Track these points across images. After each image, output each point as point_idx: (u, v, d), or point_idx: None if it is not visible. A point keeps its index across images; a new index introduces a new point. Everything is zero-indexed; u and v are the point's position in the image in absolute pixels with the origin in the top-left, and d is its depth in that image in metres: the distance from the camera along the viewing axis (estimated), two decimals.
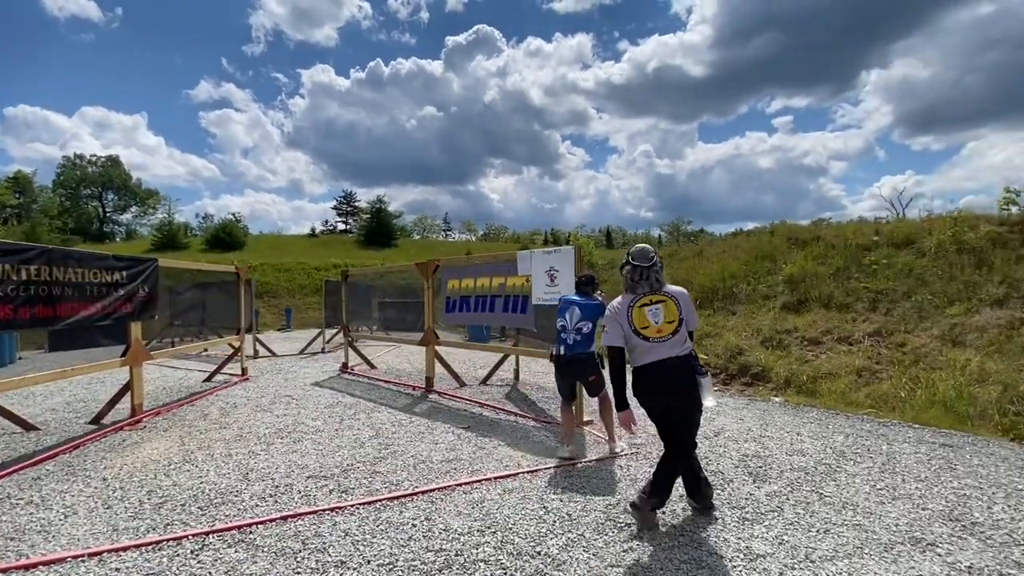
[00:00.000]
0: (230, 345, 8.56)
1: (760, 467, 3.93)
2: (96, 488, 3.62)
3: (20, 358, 13.21)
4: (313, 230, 56.46)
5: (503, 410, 5.87)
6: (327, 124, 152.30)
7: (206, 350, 10.83)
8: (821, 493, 3.44)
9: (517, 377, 7.64)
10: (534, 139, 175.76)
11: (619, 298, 3.02)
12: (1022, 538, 2.80)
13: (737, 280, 10.79)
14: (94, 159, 54.63)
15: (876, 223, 11.24)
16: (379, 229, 48.49)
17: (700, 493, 3.08)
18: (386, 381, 7.86)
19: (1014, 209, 9.52)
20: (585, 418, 5.20)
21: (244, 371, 8.38)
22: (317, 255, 35.81)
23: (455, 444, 4.60)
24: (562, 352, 4.22)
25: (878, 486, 3.58)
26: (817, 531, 2.89)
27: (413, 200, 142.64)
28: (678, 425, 2.89)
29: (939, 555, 2.62)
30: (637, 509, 2.86)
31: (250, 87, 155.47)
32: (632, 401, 3.03)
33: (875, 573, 2.47)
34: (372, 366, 9.27)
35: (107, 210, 55.49)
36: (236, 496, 3.47)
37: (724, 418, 5.49)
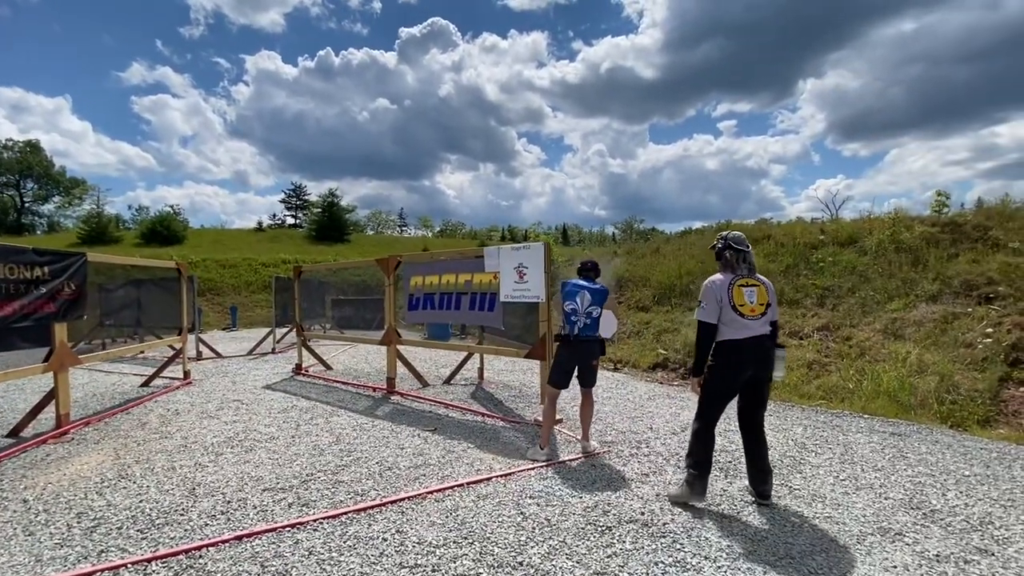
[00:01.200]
0: (170, 347, 7.95)
1: (729, 462, 3.97)
2: (15, 512, 3.20)
3: None
4: (260, 224, 53.88)
5: (470, 410, 5.71)
6: (273, 114, 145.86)
7: (143, 352, 10.03)
8: (790, 487, 3.50)
9: (481, 376, 7.49)
10: (490, 135, 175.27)
11: (718, 276, 3.21)
12: (978, 523, 2.94)
13: (694, 277, 11.07)
14: (10, 144, 49.80)
15: (821, 223, 11.82)
16: (331, 223, 46.79)
17: (766, 485, 3.22)
18: (344, 383, 7.51)
19: (948, 212, 10.22)
20: (557, 416, 5.12)
21: (187, 374, 7.79)
22: (265, 250, 34.17)
23: (422, 448, 4.41)
24: (575, 332, 4.11)
25: (841, 477, 3.69)
26: (793, 526, 2.92)
27: (366, 195, 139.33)
28: (754, 395, 3.23)
29: (907, 544, 2.70)
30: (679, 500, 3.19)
31: (189, 71, 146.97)
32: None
33: (852, 566, 2.50)
34: (328, 367, 8.86)
35: (25, 200, 50.77)
36: (182, 515, 3.15)
37: (688, 413, 5.56)
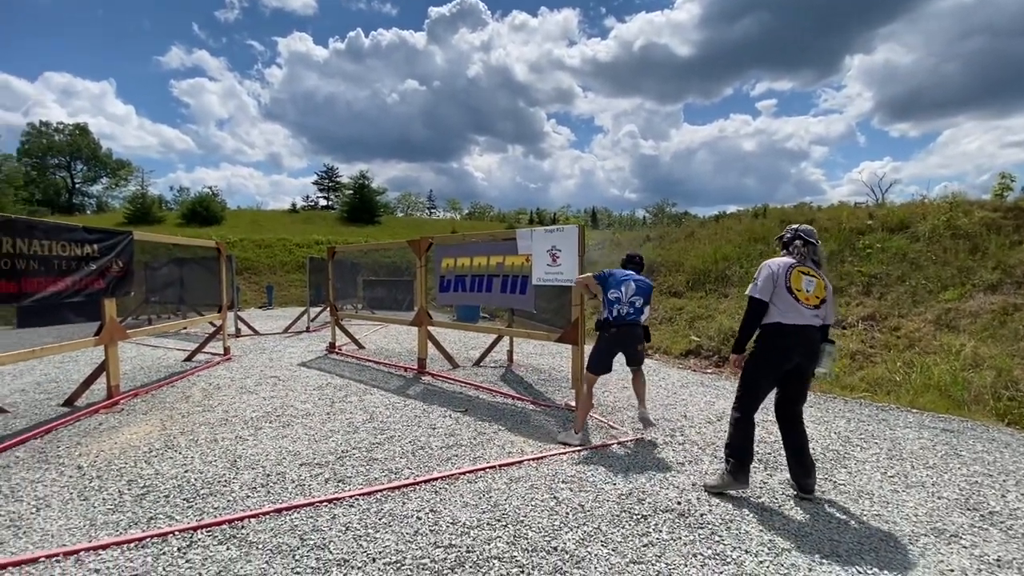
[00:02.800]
0: (211, 323, 8.22)
1: (768, 453, 3.85)
2: (71, 477, 3.37)
3: None
4: (294, 205, 55.01)
5: (500, 392, 5.72)
6: (306, 96, 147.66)
7: (185, 328, 10.42)
8: (834, 481, 3.37)
9: (511, 359, 7.48)
10: (519, 116, 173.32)
11: (780, 259, 3.16)
12: None
13: (730, 262, 10.74)
14: (61, 127, 52.03)
15: (869, 207, 11.24)
16: (362, 205, 47.38)
17: (809, 479, 3.09)
18: (376, 362, 7.63)
19: (1010, 196, 9.56)
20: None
21: (226, 350, 8.07)
22: (299, 231, 34.94)
23: (454, 429, 4.43)
24: (620, 316, 4.14)
25: (889, 474, 3.52)
26: (838, 523, 2.80)
27: (395, 177, 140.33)
28: (796, 387, 3.13)
29: (964, 547, 2.56)
30: (718, 489, 3.14)
31: (224, 55, 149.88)
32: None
33: (905, 568, 2.38)
34: (360, 346, 9.02)
35: (76, 181, 53.16)
36: (224, 486, 3.25)
37: (723, 402, 5.42)
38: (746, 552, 2.49)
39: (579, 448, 3.94)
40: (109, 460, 3.68)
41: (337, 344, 8.77)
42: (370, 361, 7.71)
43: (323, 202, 64.22)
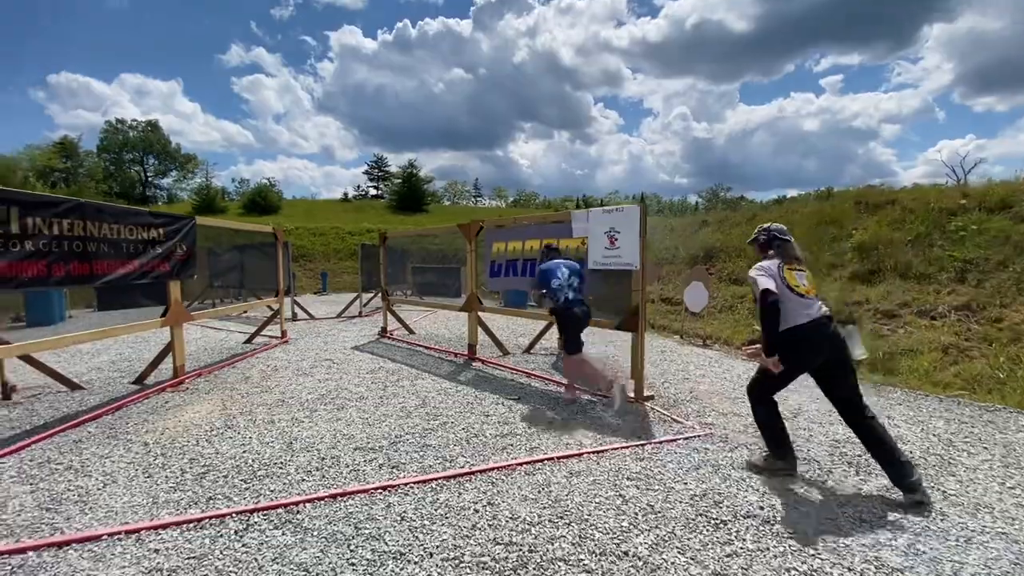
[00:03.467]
0: (269, 307, 8.45)
1: (859, 455, 3.45)
2: (137, 454, 3.45)
3: (70, 316, 13.62)
4: (346, 195, 56.68)
5: (552, 381, 5.51)
6: (356, 88, 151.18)
7: (246, 312, 10.82)
8: (943, 491, 2.95)
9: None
10: (565, 101, 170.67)
11: (767, 262, 3.11)
12: None
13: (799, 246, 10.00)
14: (135, 124, 55.70)
15: (962, 186, 10.14)
16: (410, 194, 48.18)
17: (912, 477, 2.75)
18: (426, 347, 7.59)
19: None
20: (648, 392, 4.79)
21: (283, 333, 8.28)
22: (350, 219, 35.91)
23: (507, 417, 4.27)
24: (568, 299, 4.66)
25: (1008, 484, 3.06)
26: (956, 539, 2.42)
27: (442, 166, 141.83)
28: (840, 382, 2.98)
29: None
30: (761, 469, 3.15)
31: (279, 51, 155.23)
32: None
33: None
34: (411, 331, 9.05)
35: (149, 174, 56.86)
36: (281, 468, 3.23)
37: (798, 396, 4.98)
38: (848, 570, 2.17)
39: (639, 443, 3.67)
40: (173, 438, 3.75)
41: (388, 329, 8.83)
42: (420, 346, 7.68)
43: (373, 191, 65.78)
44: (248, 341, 8.10)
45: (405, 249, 19.70)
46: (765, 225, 3.38)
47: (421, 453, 3.47)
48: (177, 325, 5.49)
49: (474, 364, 6.41)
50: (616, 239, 4.70)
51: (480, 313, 6.74)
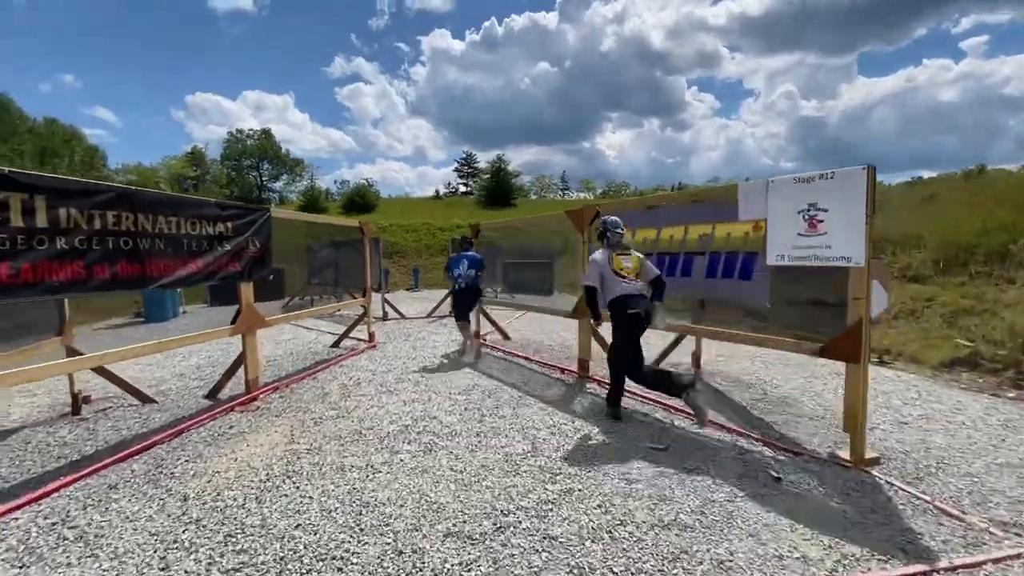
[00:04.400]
0: (362, 306, 7.78)
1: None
2: (168, 518, 2.59)
3: (184, 312, 14.27)
4: (437, 192, 57.89)
5: (712, 422, 4.06)
6: (446, 90, 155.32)
7: (338, 311, 10.40)
8: None
9: (697, 364, 5.73)
10: (656, 87, 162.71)
11: (599, 252, 4.11)
12: None
13: (1013, 235, 7.52)
14: (251, 133, 61.01)
15: None
16: (499, 189, 47.90)
17: (676, 385, 3.77)
18: (526, 357, 6.43)
19: None
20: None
21: (371, 336, 7.56)
22: (441, 216, 36.17)
23: (659, 482, 2.93)
24: (460, 287, 6.58)
25: None
26: None
27: (527, 161, 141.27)
28: (639, 332, 3.99)
29: None
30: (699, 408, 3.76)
31: (377, 59, 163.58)
32: None
33: None
34: (505, 335, 7.96)
35: (264, 178, 62.07)
36: (342, 563, 2.18)
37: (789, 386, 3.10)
38: None
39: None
40: (218, 490, 2.89)
41: (481, 332, 7.81)
42: (518, 356, 6.53)
43: (462, 188, 66.70)
44: (335, 345, 7.47)
45: (494, 243, 18.72)
46: (603, 218, 4.20)
47: (545, 557, 2.25)
48: (250, 332, 4.80)
49: (588, 386, 5.12)
50: (820, 221, 3.15)
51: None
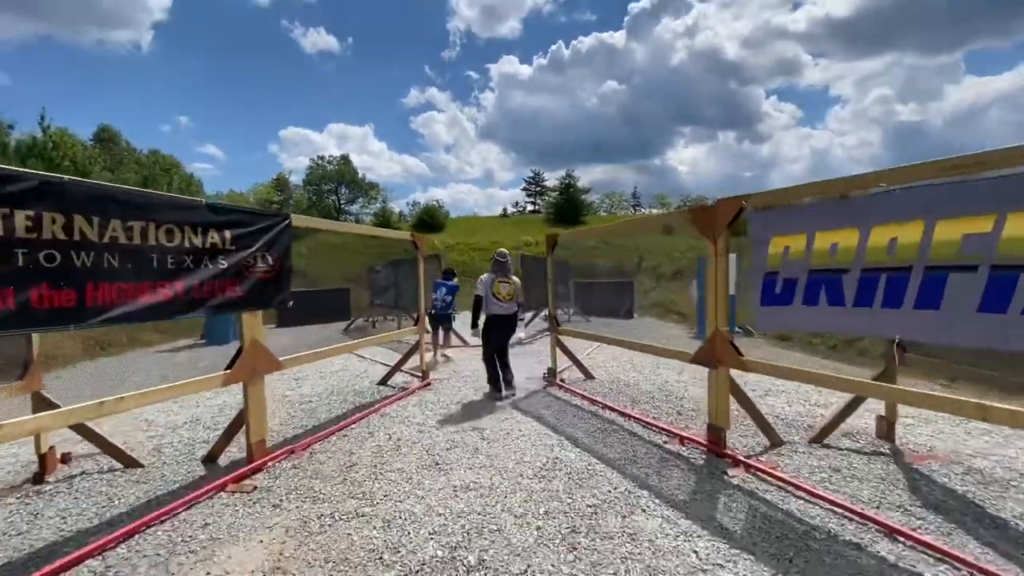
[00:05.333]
0: (426, 330, 6.51)
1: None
2: None
3: None
4: (504, 211, 57.48)
5: (946, 555, 2.26)
6: (513, 113, 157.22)
7: (400, 340, 9.32)
8: None
9: (890, 434, 3.83)
10: (730, 99, 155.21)
11: (487, 275, 5.53)
12: None
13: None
14: (331, 159, 64.17)
15: None
16: (568, 206, 46.44)
17: (508, 380, 5.53)
18: (622, 412, 4.78)
19: None
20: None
21: (424, 374, 6.25)
22: (509, 233, 35.25)
23: None
24: (438, 307, 7.79)
25: None
26: None
27: (595, 180, 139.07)
28: (504, 344, 5.61)
29: None
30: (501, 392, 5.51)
31: (449, 88, 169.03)
32: None
33: None
34: (589, 375, 6.34)
35: (341, 202, 64.85)
36: None
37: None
38: None
39: None
40: None
41: (558, 369, 6.25)
42: (613, 410, 4.89)
43: (530, 207, 65.97)
44: (383, 382, 6.24)
45: (566, 262, 17.18)
46: (497, 249, 5.87)
47: None
48: (255, 380, 3.59)
49: (731, 472, 3.39)
50: None
51: (735, 371, 3.68)
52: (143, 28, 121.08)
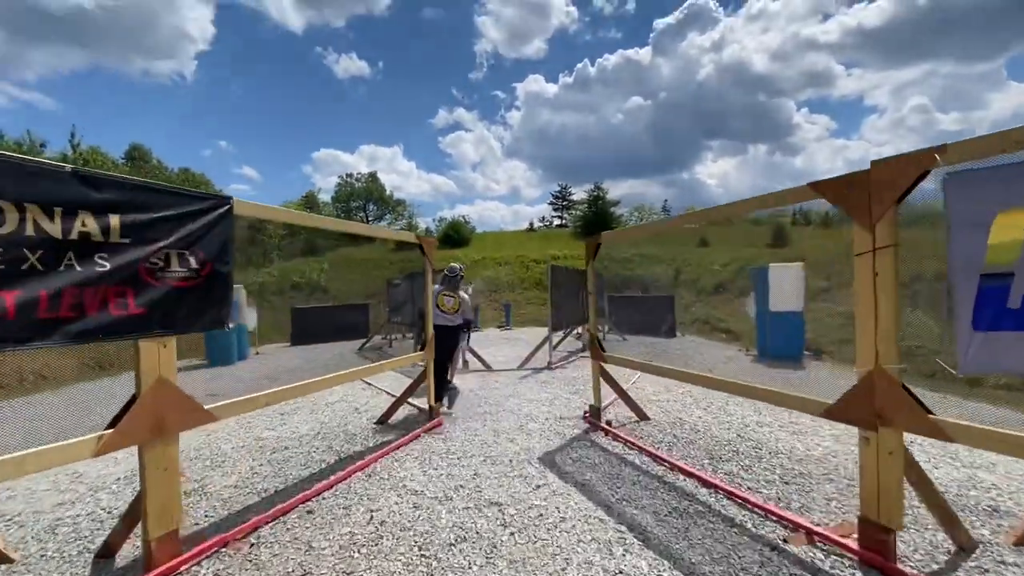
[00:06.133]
0: (421, 364, 5.32)
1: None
2: None
3: (256, 353, 12.75)
4: (531, 224, 56.44)
5: None
6: (539, 131, 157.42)
7: (408, 366, 8.16)
8: None
9: None
10: (759, 112, 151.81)
11: (437, 286, 5.59)
12: None
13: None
14: (359, 176, 64.66)
15: None
16: (596, 219, 45.02)
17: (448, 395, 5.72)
18: (706, 481, 3.39)
19: None
20: None
21: (432, 412, 4.99)
22: (535, 247, 34.06)
23: None
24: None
25: None
26: None
27: (623, 194, 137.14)
28: (448, 354, 5.59)
29: None
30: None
31: (476, 108, 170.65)
32: None
33: None
34: (643, 416, 4.97)
35: (369, 218, 65.10)
36: None
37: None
38: None
39: None
40: None
41: (601, 405, 4.89)
42: (689, 474, 3.51)
43: (557, 221, 64.81)
44: (381, 422, 5.02)
45: (599, 273, 15.59)
46: (448, 265, 5.95)
47: None
48: (155, 442, 2.39)
49: None
50: None
51: (905, 429, 2.30)
52: (186, 58, 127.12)
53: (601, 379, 4.82)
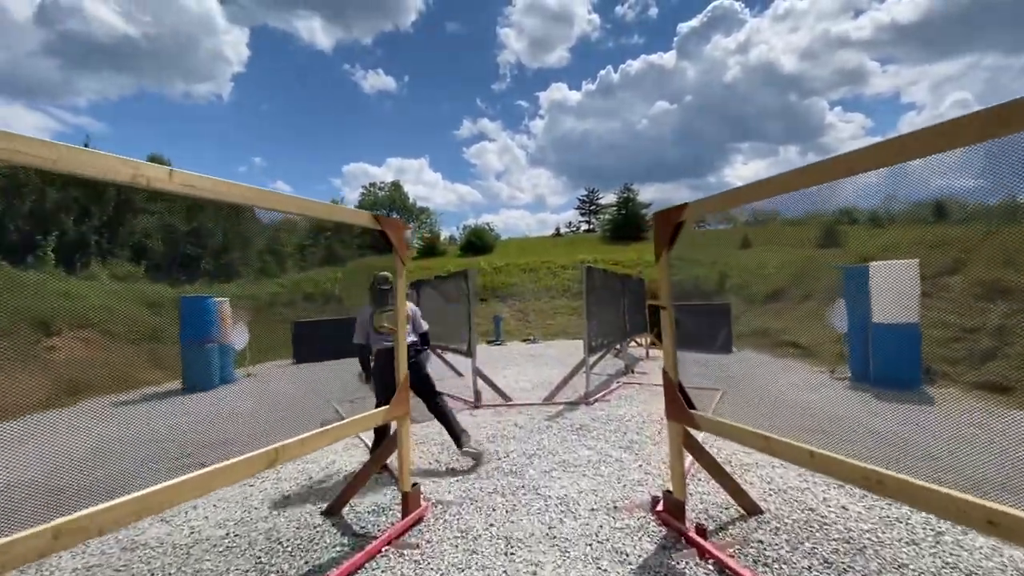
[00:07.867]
0: (394, 421, 3.52)
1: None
2: None
3: (248, 375, 11.04)
4: (558, 230, 54.52)
5: None
6: (563, 138, 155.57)
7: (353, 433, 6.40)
8: None
9: None
10: (790, 113, 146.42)
11: (365, 310, 4.20)
12: None
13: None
14: (383, 186, 64.13)
15: None
16: (626, 222, 42.79)
17: (458, 439, 4.12)
18: None
19: None
20: None
21: (408, 500, 3.16)
22: (562, 253, 32.10)
23: None
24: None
25: None
26: None
27: (650, 199, 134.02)
28: (415, 382, 3.97)
29: None
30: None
31: (500, 118, 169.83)
32: None
33: None
34: (755, 509, 3.03)
35: None
36: None
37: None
38: None
39: None
40: None
41: (686, 493, 2.98)
42: None
43: (584, 227, 62.66)
44: (330, 512, 3.23)
45: (636, 276, 13.78)
46: (375, 274, 4.23)
47: None
48: None
49: None
50: None
51: None
52: (223, 80, 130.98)
53: (684, 450, 2.90)
